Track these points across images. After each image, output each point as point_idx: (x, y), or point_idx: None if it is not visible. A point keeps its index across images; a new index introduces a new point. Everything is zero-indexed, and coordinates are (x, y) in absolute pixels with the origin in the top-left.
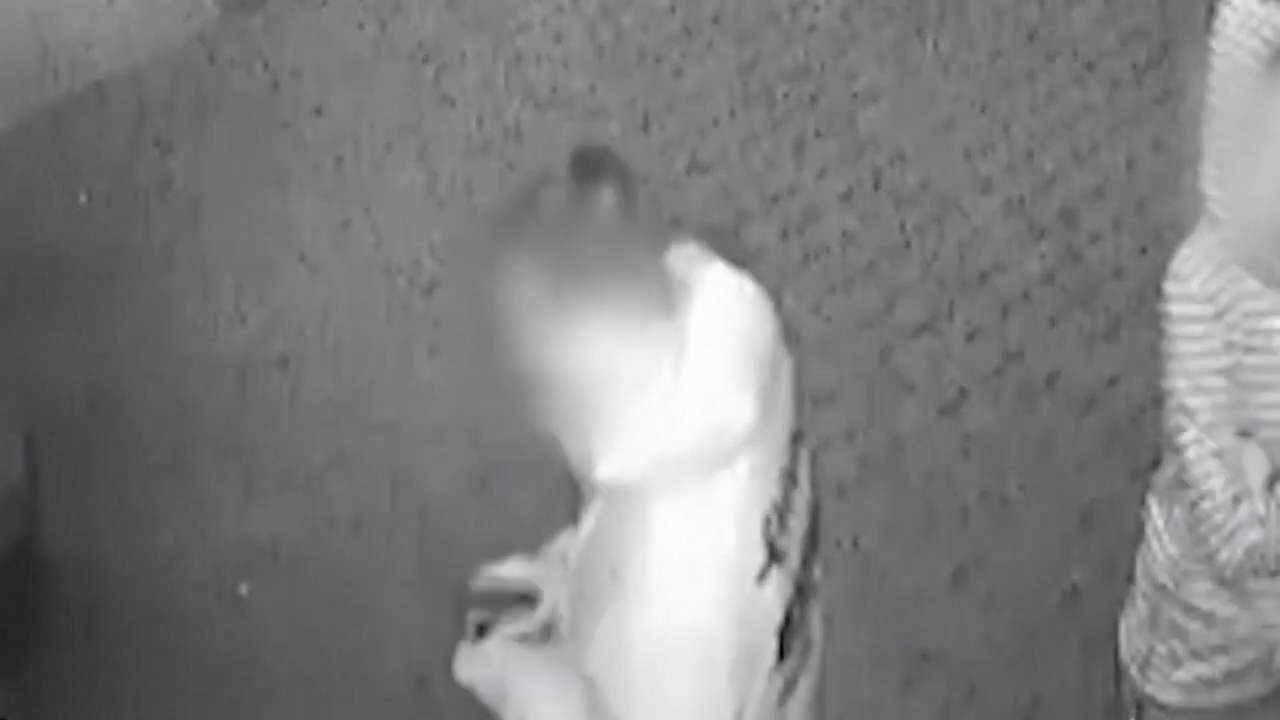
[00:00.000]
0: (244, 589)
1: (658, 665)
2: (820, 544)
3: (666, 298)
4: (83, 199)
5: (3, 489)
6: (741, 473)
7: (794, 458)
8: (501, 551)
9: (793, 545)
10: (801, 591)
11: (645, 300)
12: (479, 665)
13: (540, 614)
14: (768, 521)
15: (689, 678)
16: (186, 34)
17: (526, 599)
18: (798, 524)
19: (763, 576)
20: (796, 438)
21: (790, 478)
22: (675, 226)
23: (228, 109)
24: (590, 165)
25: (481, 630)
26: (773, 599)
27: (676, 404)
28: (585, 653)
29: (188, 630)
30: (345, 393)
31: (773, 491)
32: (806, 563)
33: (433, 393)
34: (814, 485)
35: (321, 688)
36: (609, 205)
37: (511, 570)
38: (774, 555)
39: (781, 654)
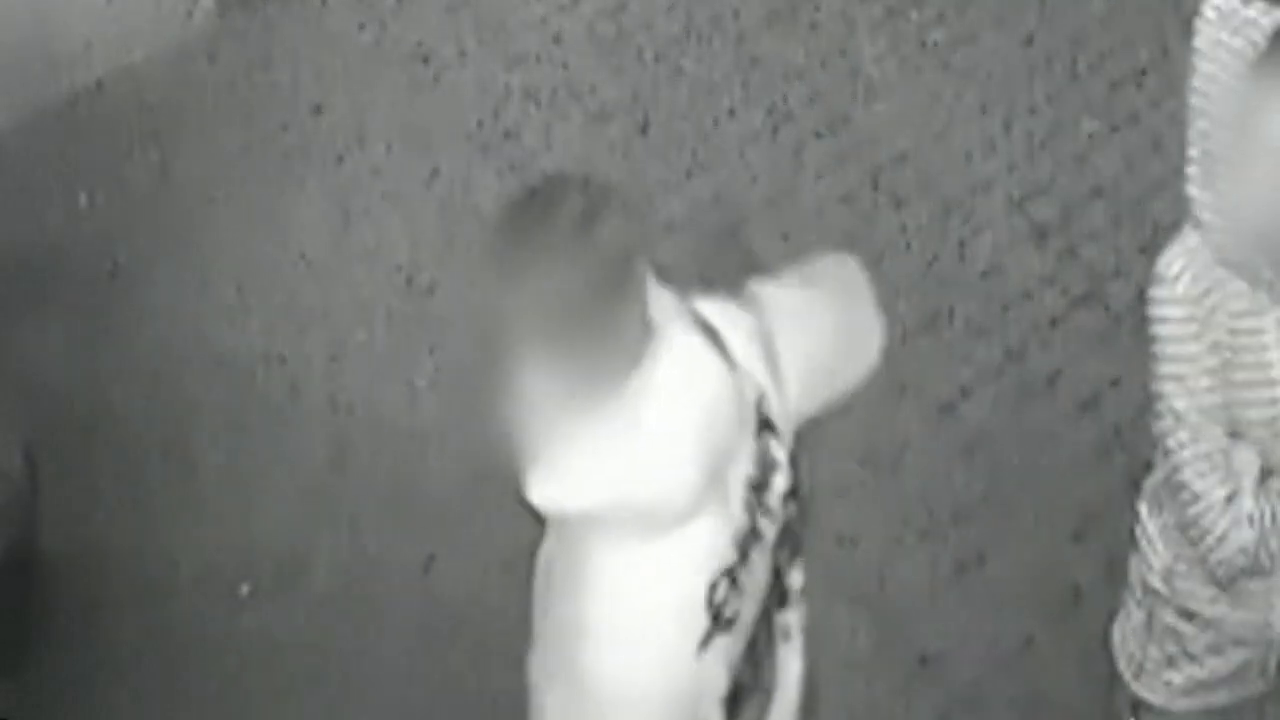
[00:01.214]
0: (244, 589)
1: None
2: (795, 586)
3: (639, 343)
4: (83, 199)
5: (3, 489)
6: (687, 543)
7: (753, 511)
8: (502, 551)
9: (746, 605)
10: (755, 648)
11: (619, 341)
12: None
13: None
14: (714, 588)
15: None
16: (186, 34)
17: None
18: (754, 579)
19: (704, 645)
20: (758, 487)
21: (751, 534)
22: (657, 247)
23: (228, 109)
24: (595, 199)
25: None
26: (715, 668)
27: (621, 457)
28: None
29: (188, 630)
30: (345, 393)
31: (725, 554)
32: (768, 615)
33: (433, 393)
34: (789, 526)
35: (321, 688)
36: (608, 243)
37: None
38: (719, 622)
39: (731, 714)
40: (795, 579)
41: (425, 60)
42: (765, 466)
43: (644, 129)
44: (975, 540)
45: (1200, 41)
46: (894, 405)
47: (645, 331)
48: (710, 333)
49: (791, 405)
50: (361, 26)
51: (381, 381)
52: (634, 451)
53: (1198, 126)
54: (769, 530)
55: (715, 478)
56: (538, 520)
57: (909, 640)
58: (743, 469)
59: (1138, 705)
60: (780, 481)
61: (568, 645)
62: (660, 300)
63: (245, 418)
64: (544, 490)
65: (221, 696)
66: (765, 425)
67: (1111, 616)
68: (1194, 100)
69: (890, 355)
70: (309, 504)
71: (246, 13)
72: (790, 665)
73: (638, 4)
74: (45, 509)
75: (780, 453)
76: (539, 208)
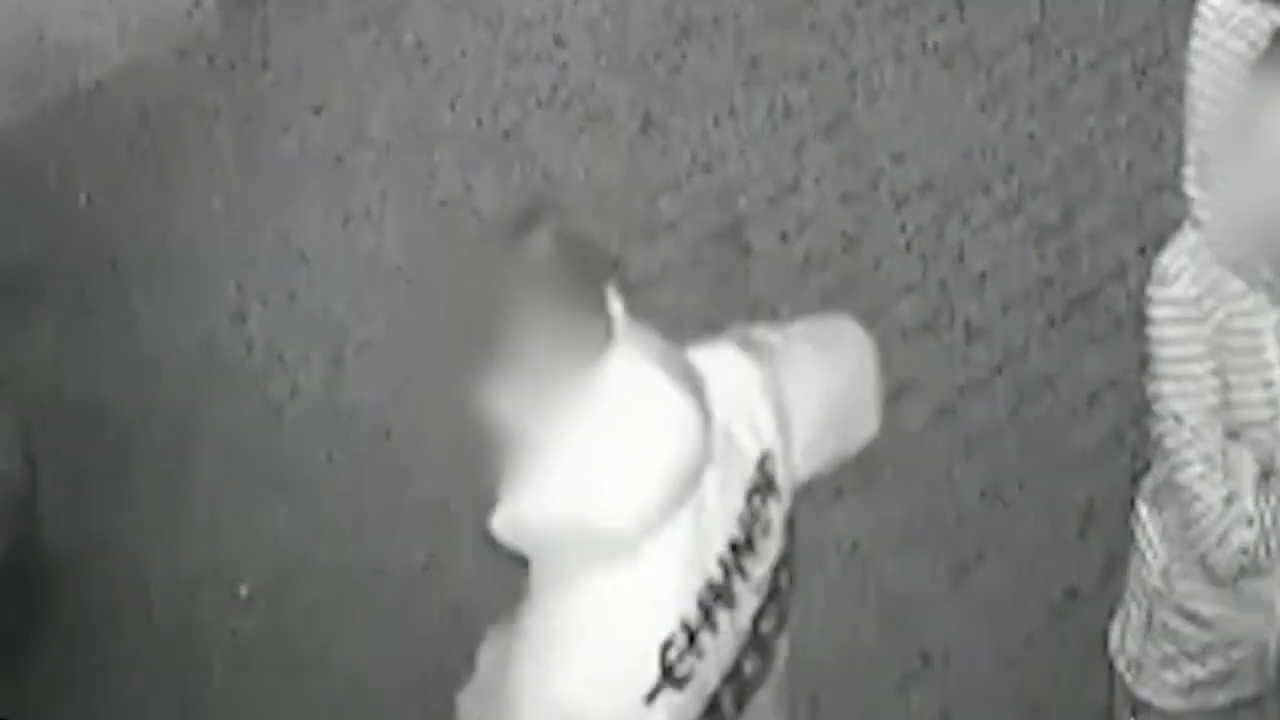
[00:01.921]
0: (244, 589)
1: None
2: (776, 660)
3: (592, 362)
4: (83, 199)
5: (3, 489)
6: (644, 589)
7: (730, 572)
8: (502, 551)
9: (706, 668)
10: (719, 711)
11: (578, 357)
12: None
13: None
14: (669, 645)
15: None
16: (186, 34)
17: None
18: (719, 645)
19: (651, 697)
20: (739, 549)
21: (718, 594)
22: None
23: (228, 109)
24: (531, 211)
25: None
26: None
27: (566, 485)
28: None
29: (188, 630)
30: (345, 393)
31: (686, 610)
32: (737, 685)
33: (433, 393)
34: (775, 597)
35: (321, 688)
36: (542, 249)
37: None
38: (669, 677)
39: None
40: (780, 651)
41: (425, 60)
42: (753, 529)
43: (644, 129)
44: (975, 540)
45: (1197, 40)
46: (894, 405)
47: (595, 349)
48: (693, 380)
49: (795, 466)
50: (361, 26)
51: (381, 381)
52: (585, 473)
53: (1196, 125)
54: (745, 597)
55: (667, 512)
56: None
57: (909, 640)
58: (728, 527)
59: (1137, 705)
60: (771, 548)
61: (515, 668)
62: (638, 338)
63: (245, 418)
64: (497, 522)
65: (221, 696)
66: (767, 486)
67: (1111, 616)
68: (1192, 99)
69: (890, 355)
70: (309, 504)
71: (246, 13)
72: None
73: (638, 4)
74: (45, 509)
75: (777, 517)
76: (507, 233)
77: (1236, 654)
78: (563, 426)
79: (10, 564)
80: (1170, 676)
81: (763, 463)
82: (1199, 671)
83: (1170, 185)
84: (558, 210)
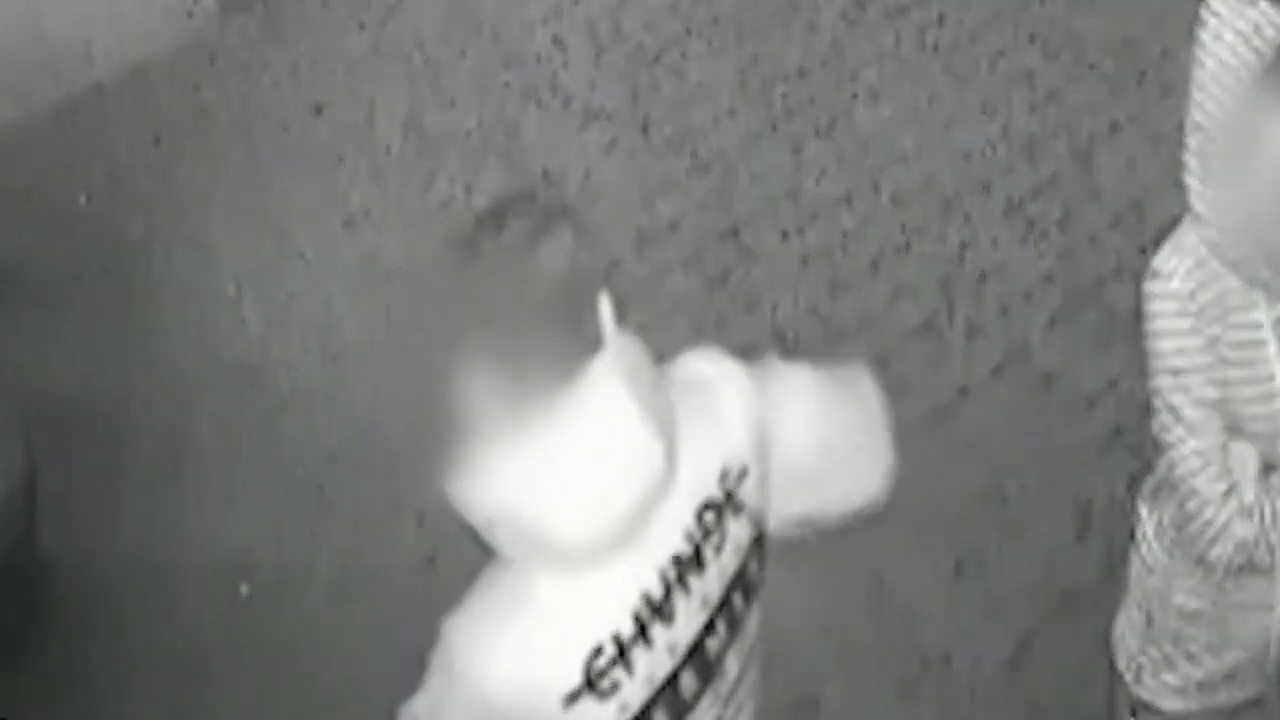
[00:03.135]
0: (244, 589)
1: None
2: (726, 675)
3: (576, 369)
4: (83, 199)
5: (3, 489)
6: (577, 592)
7: (670, 588)
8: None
9: (632, 683)
10: None
11: (557, 363)
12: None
13: None
14: (597, 651)
15: None
16: (186, 34)
17: None
18: (650, 660)
19: (570, 701)
20: (684, 563)
21: (655, 610)
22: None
23: (228, 109)
24: (545, 212)
25: None
26: None
27: (520, 487)
28: None
29: (188, 630)
30: (345, 393)
31: (618, 623)
32: (671, 703)
33: (433, 393)
34: (726, 612)
35: (321, 687)
36: (554, 262)
37: None
38: (591, 687)
39: None
40: (731, 667)
41: (425, 60)
42: (703, 544)
43: (644, 129)
44: (975, 540)
45: (1203, 38)
46: (894, 405)
47: (580, 360)
48: (662, 404)
49: (770, 496)
50: (361, 26)
51: (381, 381)
52: (541, 482)
53: (1198, 121)
54: (686, 614)
55: (621, 539)
56: None
57: (909, 640)
58: (671, 542)
59: (1138, 705)
60: (725, 565)
61: (451, 632)
62: (619, 349)
63: (245, 418)
64: (457, 487)
65: (222, 696)
66: (726, 501)
67: (1111, 616)
68: (1196, 95)
69: (890, 355)
70: (309, 504)
71: (246, 13)
72: None
73: (638, 4)
74: (45, 509)
75: (736, 534)
76: (491, 225)
77: (1236, 655)
78: (532, 429)
79: (10, 564)
80: (1170, 677)
81: (724, 477)
82: (1199, 672)
83: (1170, 185)
84: (562, 208)
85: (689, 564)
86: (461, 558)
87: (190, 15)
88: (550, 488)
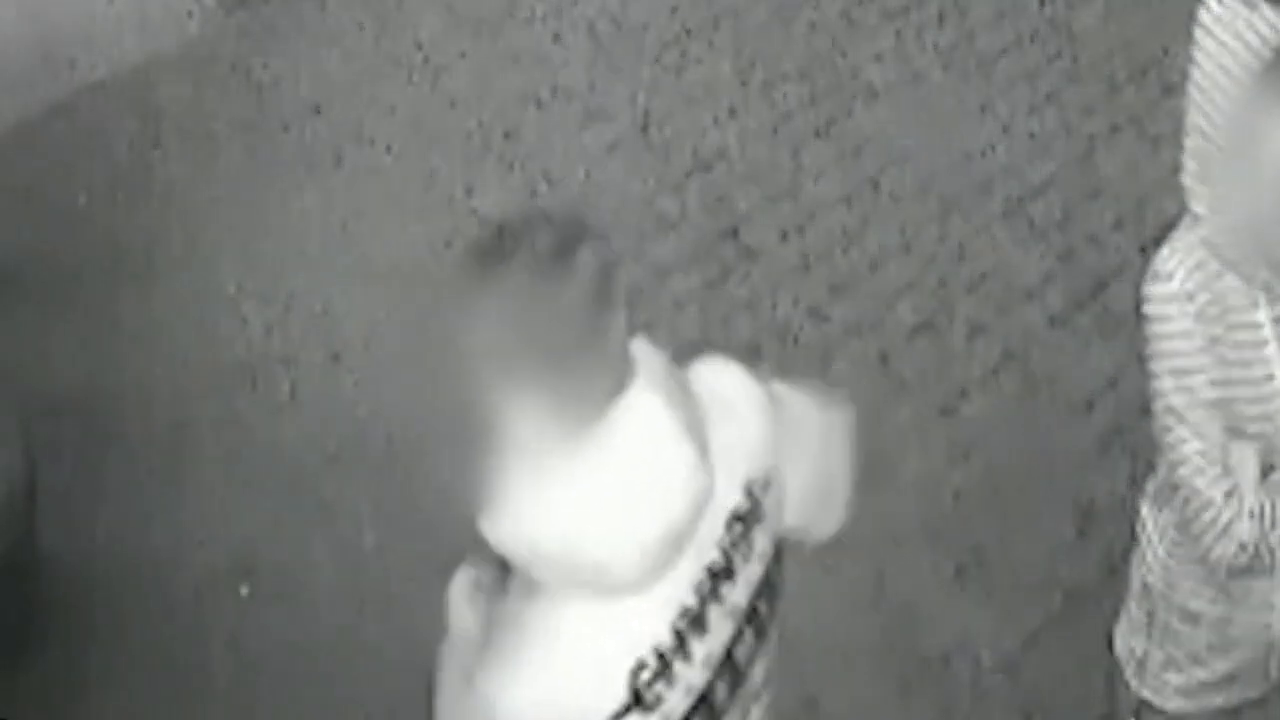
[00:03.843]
0: (244, 589)
1: None
2: (757, 680)
3: (612, 385)
4: (83, 199)
5: (3, 489)
6: (620, 613)
7: (705, 598)
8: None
9: (675, 695)
10: None
11: (590, 381)
12: (463, 615)
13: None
14: (640, 666)
15: None
16: (186, 34)
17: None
18: (691, 672)
19: (618, 719)
20: (718, 575)
21: (693, 620)
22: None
23: (228, 109)
24: (570, 234)
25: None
26: None
27: (565, 516)
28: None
29: (188, 630)
30: (345, 393)
31: (659, 636)
32: (709, 710)
33: (432, 392)
34: (754, 621)
35: (321, 688)
36: (581, 285)
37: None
38: (639, 702)
39: None
40: (757, 673)
41: (425, 60)
42: (733, 555)
43: (644, 129)
44: (975, 540)
45: (1201, 39)
46: (894, 405)
47: (618, 382)
48: (694, 415)
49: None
50: (361, 26)
51: (381, 381)
52: (590, 510)
53: (1197, 122)
54: (720, 624)
55: (658, 564)
56: None
57: (909, 640)
58: (705, 553)
59: (1139, 706)
60: (753, 573)
61: (484, 679)
62: (646, 362)
63: (245, 418)
64: (495, 525)
65: (222, 696)
66: (753, 511)
67: (1112, 616)
68: (1194, 95)
69: (890, 355)
70: (309, 504)
71: (246, 13)
72: None
73: (638, 4)
74: (45, 509)
75: (762, 543)
76: (510, 243)
77: (1239, 656)
78: (574, 457)
79: (10, 564)
80: (1172, 678)
81: (749, 487)
82: (1201, 673)
83: (1170, 185)
84: (583, 225)
85: (721, 574)
86: (460, 558)
87: (190, 15)
88: (603, 516)
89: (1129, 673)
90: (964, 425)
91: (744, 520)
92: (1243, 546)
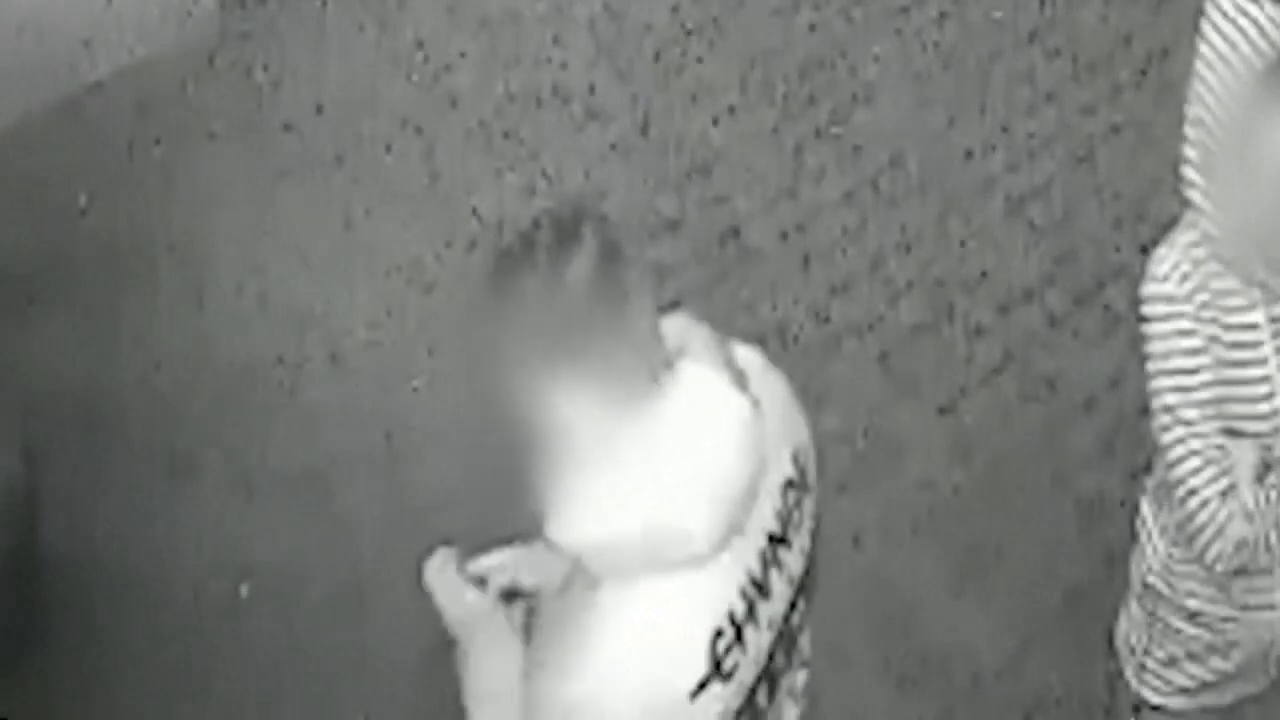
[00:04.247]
0: (244, 589)
1: None
2: (804, 653)
3: (652, 365)
4: (83, 199)
5: (3, 489)
6: (697, 582)
7: (768, 565)
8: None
9: (746, 661)
10: (753, 705)
11: (626, 366)
12: (448, 589)
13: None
14: (718, 634)
15: None
16: (186, 34)
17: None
18: (758, 637)
19: (698, 691)
20: (778, 542)
21: (759, 588)
22: (657, 247)
23: (228, 108)
24: (567, 227)
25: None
26: (706, 715)
27: (641, 494)
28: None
29: (188, 630)
30: (345, 393)
31: (733, 603)
32: (770, 675)
33: (432, 393)
34: (802, 591)
35: (321, 687)
36: (585, 270)
37: (504, 566)
38: (718, 670)
39: None
40: (805, 643)
41: (425, 60)
42: (788, 523)
43: (644, 129)
44: (975, 540)
45: (1206, 32)
46: (894, 405)
47: (656, 357)
48: (740, 375)
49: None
50: (361, 26)
51: (381, 381)
52: (654, 488)
53: (1198, 115)
54: (780, 590)
55: (738, 520)
56: (539, 520)
57: (909, 640)
58: (766, 521)
59: (1139, 704)
60: (803, 542)
61: (559, 676)
62: (685, 334)
63: (245, 418)
64: (557, 531)
65: (221, 697)
66: (800, 480)
67: (1112, 615)
68: (1197, 88)
69: (890, 355)
70: (308, 505)
71: (246, 13)
72: None
73: (638, 4)
74: (45, 509)
75: (808, 511)
76: (520, 247)
77: (1239, 654)
78: (634, 437)
79: (10, 564)
80: (1173, 676)
81: (795, 457)
82: (1201, 671)
83: (1170, 185)
84: (590, 220)
85: (780, 542)
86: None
87: (190, 15)
88: (677, 484)
89: (1128, 671)
90: (964, 425)
91: (795, 488)
92: (1239, 545)
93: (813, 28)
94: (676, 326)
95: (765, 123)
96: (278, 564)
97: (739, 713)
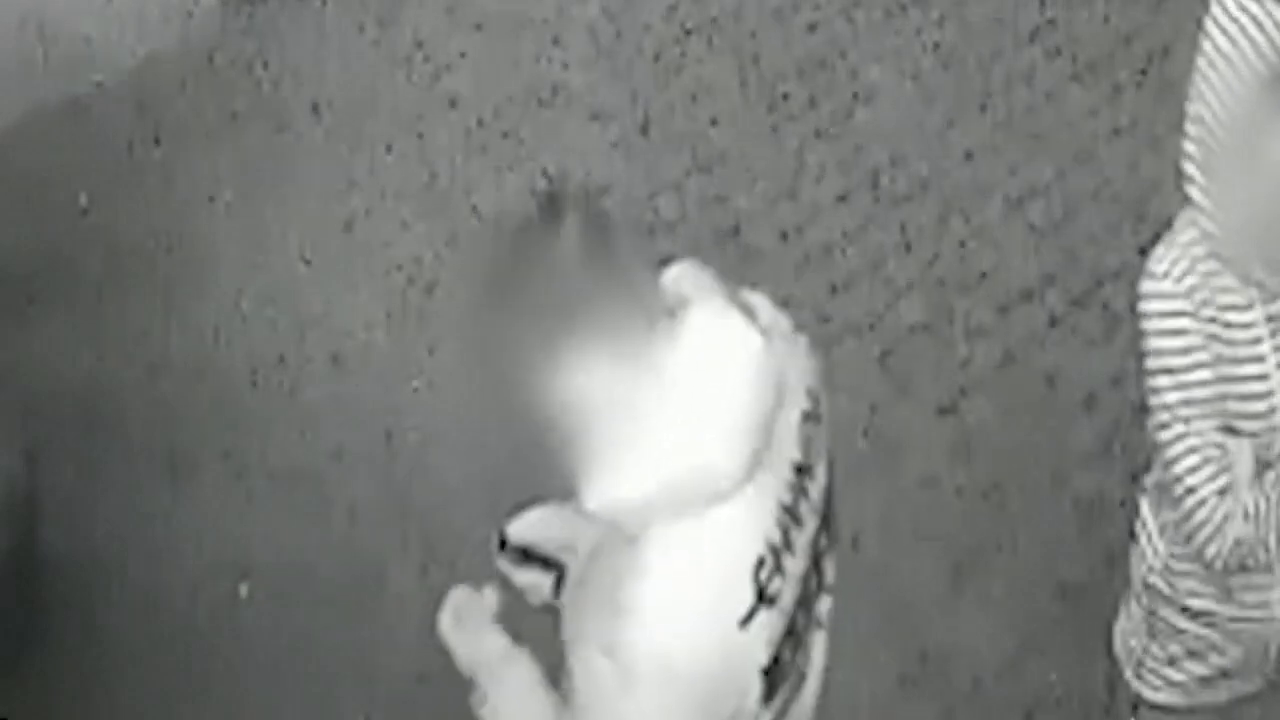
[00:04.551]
0: (244, 589)
1: (631, 701)
2: (828, 578)
3: (655, 321)
4: (83, 199)
5: (3, 489)
6: (733, 514)
7: (798, 492)
8: (500, 552)
9: (787, 587)
10: (794, 630)
11: (629, 324)
12: (465, 635)
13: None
14: (760, 563)
15: (659, 708)
16: (186, 34)
17: (551, 563)
18: (795, 564)
19: (747, 620)
20: (802, 470)
21: (790, 514)
22: (657, 247)
23: (228, 108)
24: (552, 206)
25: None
26: (756, 642)
27: (664, 442)
28: (569, 664)
29: (188, 630)
30: (345, 393)
31: (769, 532)
32: (805, 600)
33: (433, 393)
34: (825, 519)
35: (322, 687)
36: (572, 241)
37: (547, 528)
38: (763, 598)
39: (770, 691)
40: (829, 570)
41: (425, 60)
42: (810, 452)
43: (644, 129)
44: (975, 540)
45: (1210, 29)
46: (894, 405)
47: (659, 312)
48: (749, 310)
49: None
50: (361, 27)
51: (381, 381)
52: (672, 436)
53: (1200, 111)
54: (809, 518)
55: (761, 447)
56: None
57: (910, 639)
58: (788, 451)
59: (1139, 703)
60: (823, 471)
61: (611, 626)
62: (689, 280)
63: (245, 418)
64: (597, 499)
65: (221, 696)
66: (814, 411)
67: (1111, 614)
68: (1200, 84)
69: (890, 355)
70: (309, 505)
71: (246, 13)
72: (818, 653)
73: (638, 4)
74: (45, 509)
75: (827, 445)
76: (540, 225)
77: (1237, 651)
78: (647, 393)
79: (10, 564)
80: (1171, 674)
81: (809, 391)
82: (1200, 668)
83: (1170, 185)
84: (575, 193)
85: (805, 471)
86: (462, 557)
87: (190, 15)
88: (696, 418)
89: (1128, 669)
90: (964, 425)
91: (812, 420)
92: (1237, 544)
93: (813, 28)
94: (679, 274)
95: (765, 123)
96: (277, 564)
97: (783, 638)
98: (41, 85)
